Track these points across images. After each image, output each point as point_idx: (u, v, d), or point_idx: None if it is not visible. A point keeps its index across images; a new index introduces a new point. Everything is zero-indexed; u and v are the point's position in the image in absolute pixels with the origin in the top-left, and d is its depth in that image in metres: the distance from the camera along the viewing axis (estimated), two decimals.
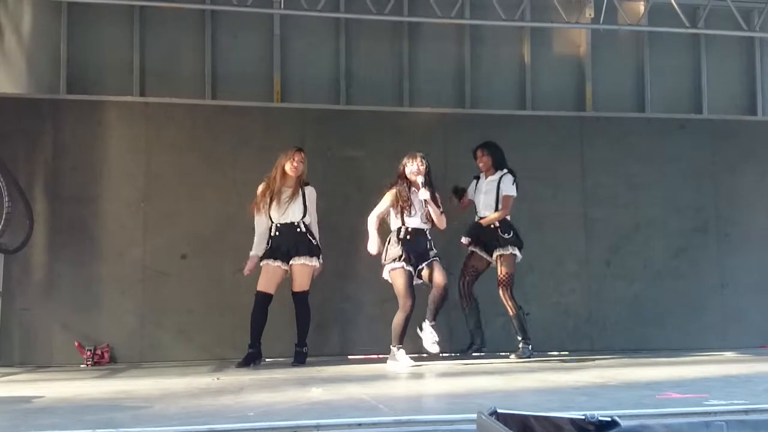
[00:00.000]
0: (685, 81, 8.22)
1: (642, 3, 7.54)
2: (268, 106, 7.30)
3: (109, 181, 6.78)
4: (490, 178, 6.39)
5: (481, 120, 7.46)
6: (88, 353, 6.40)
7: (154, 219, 6.75)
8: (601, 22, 7.26)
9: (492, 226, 6.27)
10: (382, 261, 5.86)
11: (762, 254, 7.61)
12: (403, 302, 5.73)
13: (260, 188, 6.01)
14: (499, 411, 2.33)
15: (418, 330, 5.83)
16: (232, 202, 6.66)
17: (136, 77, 7.23)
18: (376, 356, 6.78)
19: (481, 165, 6.46)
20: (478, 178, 6.50)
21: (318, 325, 6.96)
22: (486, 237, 6.30)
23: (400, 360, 5.70)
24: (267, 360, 6.23)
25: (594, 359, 6.18)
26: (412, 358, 5.76)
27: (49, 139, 6.74)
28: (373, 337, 6.93)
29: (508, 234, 6.25)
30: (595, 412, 2.38)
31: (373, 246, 5.84)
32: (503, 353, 6.31)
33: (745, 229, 7.63)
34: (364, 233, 5.89)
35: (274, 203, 5.93)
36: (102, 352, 6.47)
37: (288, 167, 5.95)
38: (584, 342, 7.16)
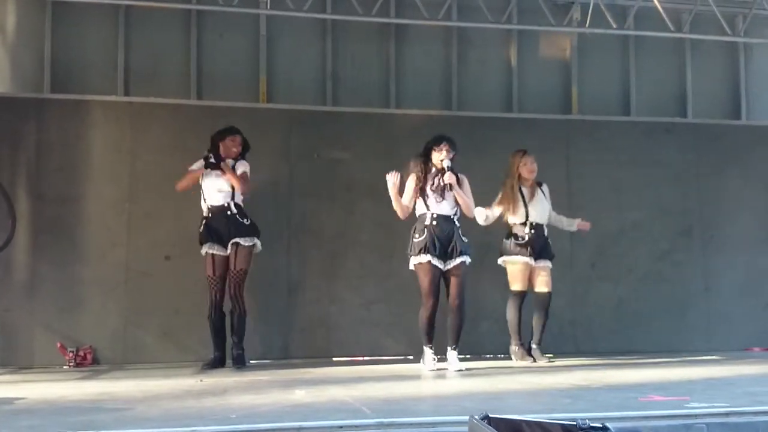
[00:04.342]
0: (670, 85, 8.26)
1: (628, 7, 7.57)
2: (253, 106, 7.27)
3: (93, 181, 6.74)
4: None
5: (468, 122, 7.46)
6: (71, 354, 6.36)
7: (138, 219, 6.72)
8: (587, 25, 7.28)
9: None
10: (408, 251, 5.69)
11: (746, 257, 7.66)
12: (425, 300, 5.57)
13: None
14: (491, 416, 2.33)
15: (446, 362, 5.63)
16: None
17: (121, 77, 7.19)
18: (361, 357, 6.78)
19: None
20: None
21: (303, 327, 6.97)
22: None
23: (424, 361, 5.61)
24: (251, 362, 6.22)
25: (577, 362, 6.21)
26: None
27: (33, 139, 6.68)
28: (359, 339, 6.95)
29: None
30: (587, 419, 2.38)
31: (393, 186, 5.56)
32: (488, 356, 6.31)
33: (729, 232, 7.68)
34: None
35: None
36: (84, 354, 6.43)
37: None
38: (569, 344, 7.17)
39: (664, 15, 7.21)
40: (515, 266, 6.16)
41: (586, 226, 6.44)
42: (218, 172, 6.03)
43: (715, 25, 7.52)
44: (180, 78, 7.31)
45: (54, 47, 7.12)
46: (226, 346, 6.06)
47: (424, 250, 5.56)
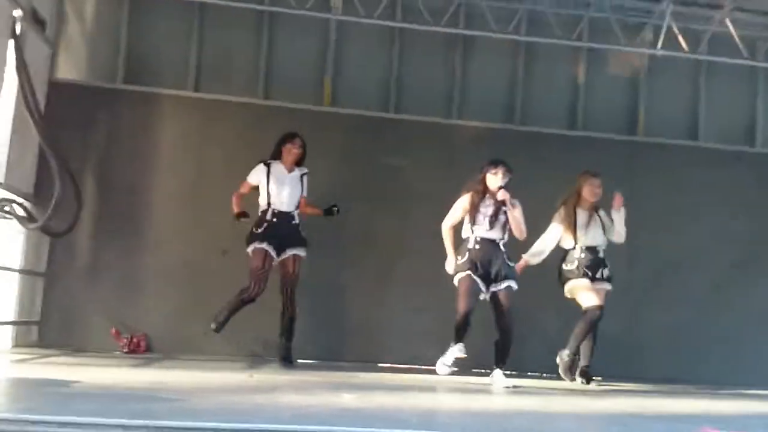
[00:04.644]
0: (739, 113, 8.09)
1: (702, 32, 7.43)
2: (317, 109, 7.34)
3: (159, 172, 6.89)
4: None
5: (531, 137, 7.41)
6: (125, 341, 6.49)
7: (200, 213, 6.83)
8: (659, 47, 7.17)
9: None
10: (452, 271, 5.64)
11: None
12: (459, 306, 5.52)
13: None
14: None
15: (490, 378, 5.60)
16: None
17: (192, 72, 7.33)
18: (406, 366, 6.77)
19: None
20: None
21: (351, 331, 7.01)
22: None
23: (446, 358, 5.52)
24: (299, 362, 6.27)
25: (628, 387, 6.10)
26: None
27: (104, 127, 6.88)
28: (406, 346, 6.94)
29: None
30: None
31: (450, 265, 5.62)
32: (533, 374, 6.25)
33: None
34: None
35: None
36: (138, 341, 6.56)
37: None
38: (618, 368, 7.04)
39: (738, 42, 7.06)
40: (580, 288, 6.00)
41: (619, 200, 6.12)
42: (287, 175, 6.08)
43: None
44: (249, 77, 7.42)
45: (130, 39, 7.29)
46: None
47: (465, 269, 5.53)
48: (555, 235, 6.10)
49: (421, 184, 6.95)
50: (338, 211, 6.36)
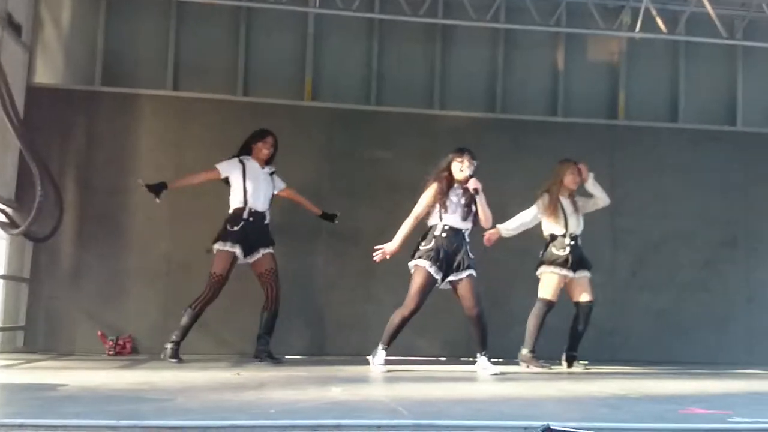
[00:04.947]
0: (719, 92, 8.13)
1: (680, 12, 7.45)
2: (297, 104, 7.33)
3: (140, 173, 6.82)
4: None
5: (512, 125, 7.43)
6: (111, 343, 6.47)
7: (181, 213, 6.81)
8: (637, 30, 7.18)
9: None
10: (411, 253, 5.64)
11: None
12: (408, 302, 5.54)
13: None
14: (552, 426, 2.32)
15: (476, 366, 5.62)
16: None
17: (170, 71, 7.30)
18: (393, 358, 6.77)
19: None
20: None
21: (339, 325, 7.01)
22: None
23: (375, 360, 5.60)
24: (286, 357, 6.27)
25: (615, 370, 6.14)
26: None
27: (83, 130, 6.84)
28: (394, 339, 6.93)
29: None
30: None
31: (392, 245, 5.67)
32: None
33: None
34: (390, 234, 5.81)
35: None
36: (124, 343, 6.54)
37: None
38: (605, 352, 7.09)
39: (716, 21, 7.08)
40: (552, 277, 6.11)
41: (585, 170, 6.21)
42: (261, 172, 6.06)
43: None
44: (227, 74, 7.40)
45: (106, 40, 7.25)
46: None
47: (426, 257, 5.53)
48: (533, 216, 6.16)
49: (405, 175, 6.93)
50: (336, 220, 6.47)
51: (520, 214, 6.15)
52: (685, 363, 6.80)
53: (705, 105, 8.08)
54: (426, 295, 5.57)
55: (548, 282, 6.13)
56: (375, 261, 5.72)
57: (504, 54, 7.80)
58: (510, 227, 6.12)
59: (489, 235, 5.95)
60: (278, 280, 6.06)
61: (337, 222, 6.50)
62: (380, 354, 5.62)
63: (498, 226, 6.02)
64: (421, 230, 5.70)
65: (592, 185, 6.25)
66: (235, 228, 5.96)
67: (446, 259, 5.54)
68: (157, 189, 5.95)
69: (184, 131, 6.92)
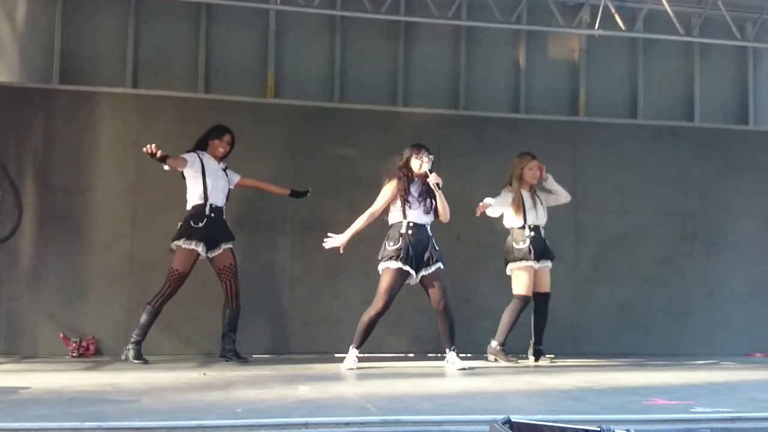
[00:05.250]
0: (677, 89, 8.26)
1: (638, 10, 7.56)
2: (260, 101, 7.27)
3: (100, 172, 6.75)
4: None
5: (475, 122, 7.47)
6: (74, 345, 6.37)
7: (143, 211, 6.73)
8: (596, 27, 7.27)
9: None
10: (379, 256, 5.67)
11: (748, 263, 7.66)
12: (377, 302, 5.55)
13: None
14: (512, 419, 2.33)
15: (445, 362, 5.66)
16: None
17: (129, 69, 7.19)
18: (363, 355, 6.78)
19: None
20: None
21: (305, 323, 6.99)
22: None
23: (346, 359, 5.60)
24: (253, 356, 6.24)
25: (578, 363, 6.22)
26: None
27: (40, 129, 6.69)
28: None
29: None
30: (611, 425, 2.39)
31: (342, 237, 5.66)
32: (488, 355, 6.32)
33: (733, 238, 7.68)
34: (362, 230, 5.78)
35: None
36: (87, 344, 6.44)
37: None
38: (569, 346, 7.18)
39: (674, 18, 7.19)
40: (522, 272, 6.18)
41: (542, 169, 6.32)
42: (218, 167, 6.03)
43: (725, 29, 7.50)
44: (188, 71, 7.32)
45: (63, 38, 7.11)
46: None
47: (396, 257, 5.53)
48: (506, 202, 6.22)
49: (369, 172, 6.92)
50: (309, 194, 6.46)
51: (498, 198, 6.21)
52: (647, 355, 6.90)
53: (664, 101, 8.20)
54: (394, 295, 5.58)
55: (520, 278, 6.19)
56: (324, 248, 5.71)
57: (466, 51, 7.83)
58: (495, 206, 6.17)
59: (481, 207, 6.04)
60: (237, 276, 6.03)
61: (309, 196, 6.46)
62: (352, 354, 5.61)
63: (487, 199, 6.08)
64: (378, 227, 5.71)
65: (551, 184, 6.38)
66: (200, 224, 5.95)
67: (415, 257, 5.56)
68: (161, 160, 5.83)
69: (145, 129, 6.80)
